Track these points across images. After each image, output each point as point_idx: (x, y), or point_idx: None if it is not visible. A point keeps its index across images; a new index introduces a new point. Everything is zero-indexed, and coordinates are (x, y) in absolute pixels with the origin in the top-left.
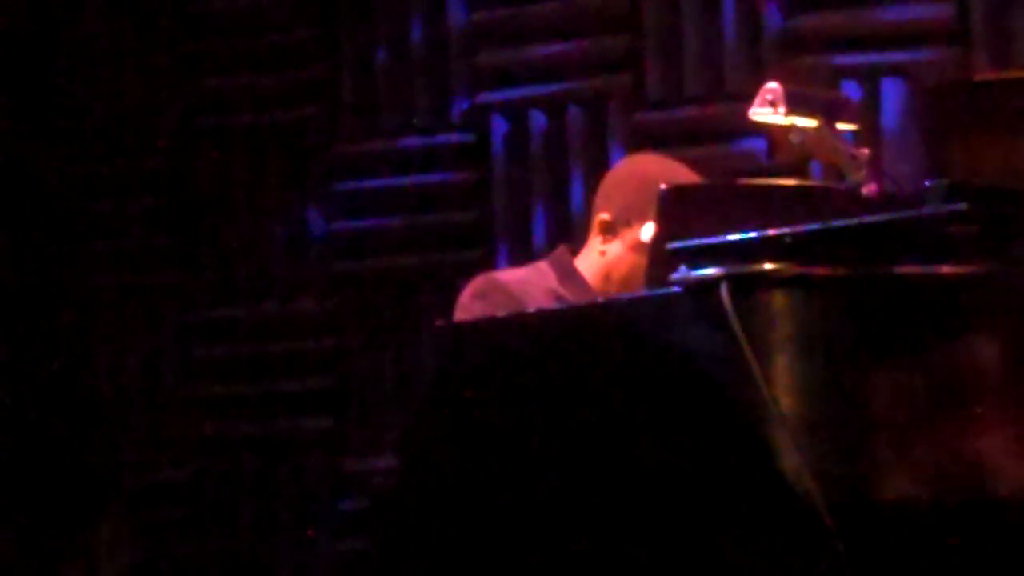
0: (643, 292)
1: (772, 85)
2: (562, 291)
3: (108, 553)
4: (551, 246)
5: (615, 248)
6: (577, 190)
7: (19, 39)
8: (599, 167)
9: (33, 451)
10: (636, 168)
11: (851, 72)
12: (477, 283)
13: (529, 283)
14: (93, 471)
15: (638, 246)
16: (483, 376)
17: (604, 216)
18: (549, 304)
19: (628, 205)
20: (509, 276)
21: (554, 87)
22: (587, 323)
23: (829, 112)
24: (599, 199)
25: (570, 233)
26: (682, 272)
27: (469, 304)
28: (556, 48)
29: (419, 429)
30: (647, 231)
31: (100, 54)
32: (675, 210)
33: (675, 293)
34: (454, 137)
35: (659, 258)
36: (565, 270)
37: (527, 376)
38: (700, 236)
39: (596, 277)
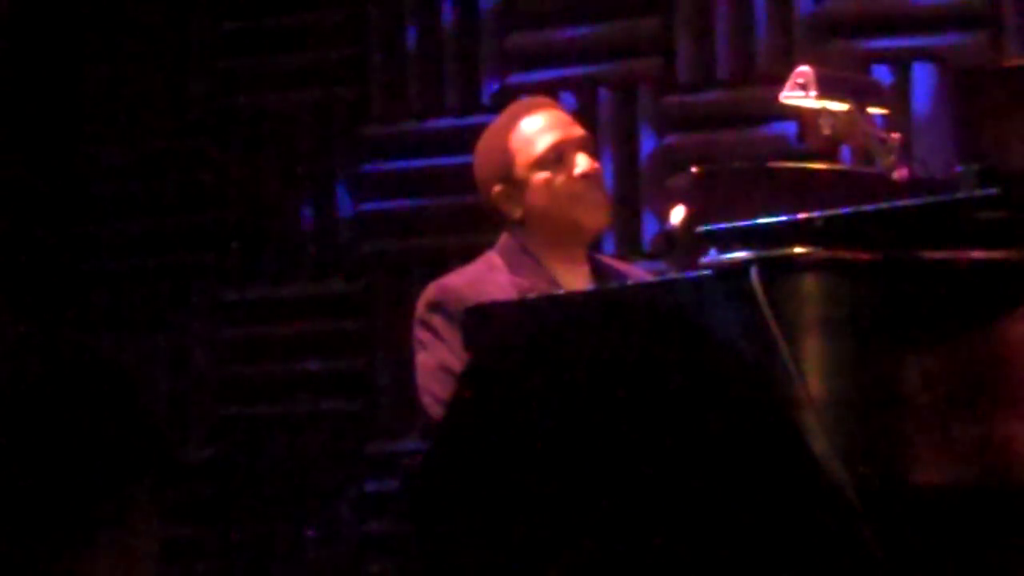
0: (674, 275)
1: (803, 69)
2: (517, 280)
3: (136, 532)
4: None
5: (527, 196)
6: (607, 172)
7: (46, 18)
8: (629, 150)
9: (60, 430)
10: (481, 140)
11: (882, 56)
12: (429, 294)
13: (483, 282)
14: (120, 450)
15: (534, 166)
16: (513, 357)
17: (496, 188)
18: (507, 297)
19: (498, 161)
20: (461, 280)
21: (584, 69)
22: (617, 305)
23: (860, 96)
24: (482, 187)
25: None
26: (712, 255)
27: (427, 317)
28: (587, 30)
29: (450, 411)
30: (676, 214)
31: (129, 34)
32: (706, 193)
33: (705, 276)
34: (484, 119)
35: (689, 241)
36: (514, 255)
37: (556, 357)
38: (730, 219)
39: (537, 232)
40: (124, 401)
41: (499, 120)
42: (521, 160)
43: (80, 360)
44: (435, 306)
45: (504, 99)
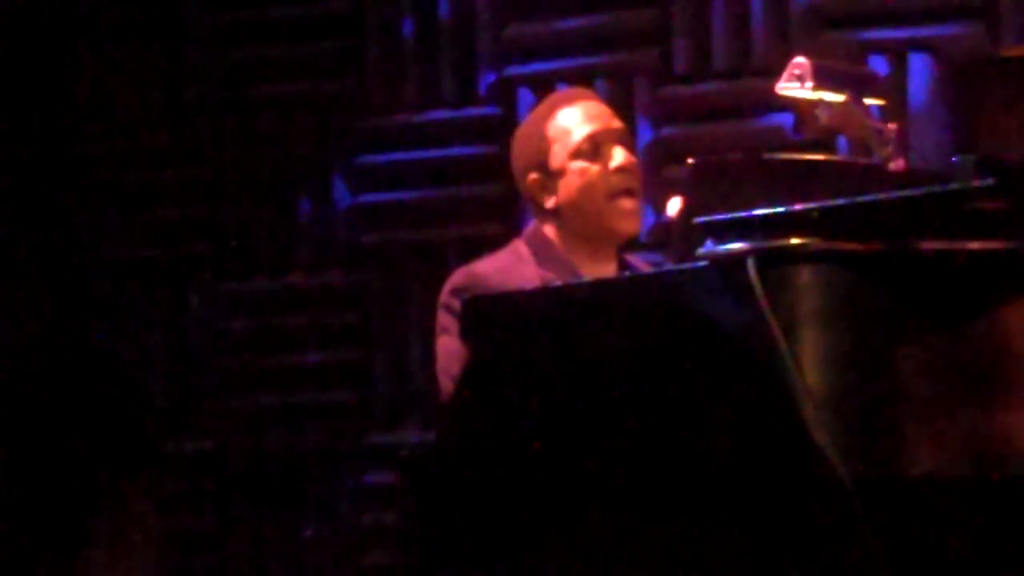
0: (670, 267)
1: (799, 60)
2: (544, 273)
3: (136, 524)
4: None
5: (562, 186)
6: None
7: (41, 13)
8: None
9: (61, 422)
10: (520, 128)
11: (878, 47)
12: (457, 279)
13: (510, 272)
14: (121, 442)
15: (571, 156)
16: (510, 349)
17: (533, 176)
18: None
19: (535, 149)
20: (489, 268)
21: (581, 61)
22: (613, 297)
23: (856, 87)
24: (518, 174)
25: None
26: (709, 247)
27: (451, 301)
28: (583, 22)
29: (454, 402)
30: (673, 206)
31: (124, 27)
32: (702, 185)
33: (702, 268)
34: (481, 111)
35: (686, 232)
36: (541, 247)
37: (553, 349)
38: (727, 211)
39: (569, 224)
40: (122, 394)
41: (538, 108)
42: (558, 149)
43: (78, 354)
44: (460, 292)
45: (501, 91)
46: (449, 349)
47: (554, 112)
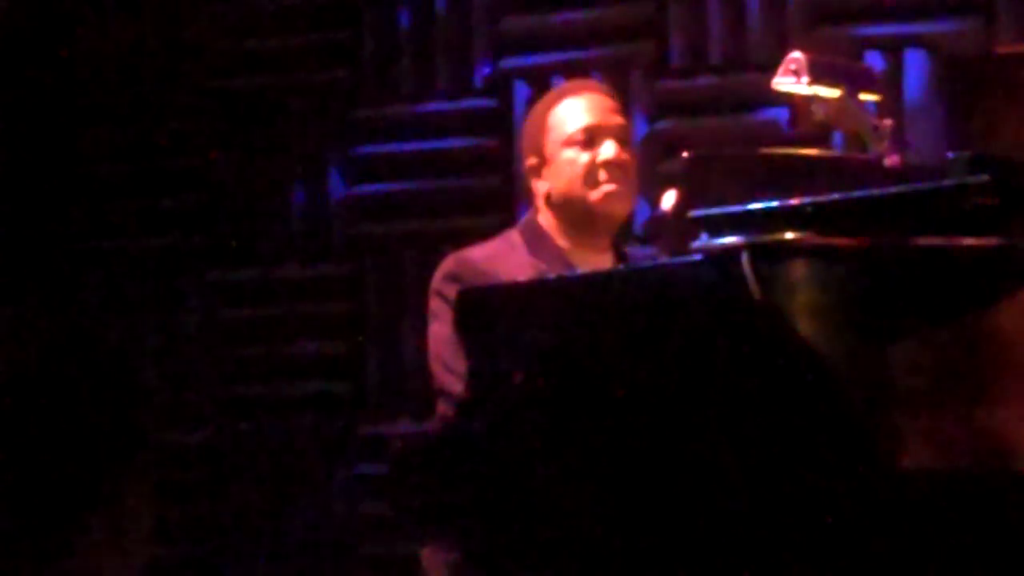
0: (665, 260)
1: (796, 55)
2: (536, 261)
3: (132, 515)
4: None
5: (551, 173)
6: None
7: (39, 4)
8: None
9: (54, 413)
10: (531, 112)
11: (874, 43)
12: (448, 265)
13: (500, 259)
14: (114, 433)
15: (562, 145)
16: (508, 341)
17: (530, 162)
18: (524, 277)
19: (535, 135)
20: (480, 254)
21: (577, 54)
22: (607, 290)
23: (852, 82)
24: (521, 159)
25: None
26: (703, 240)
27: (442, 287)
28: (580, 15)
29: (457, 394)
30: (668, 199)
31: (120, 18)
32: (697, 178)
33: (696, 261)
34: (476, 102)
35: (681, 226)
36: (534, 236)
37: (546, 342)
38: (722, 205)
39: (559, 213)
40: (118, 383)
41: (547, 96)
42: (553, 137)
43: (74, 343)
44: (452, 277)
45: (497, 83)
46: (439, 335)
47: (558, 101)
